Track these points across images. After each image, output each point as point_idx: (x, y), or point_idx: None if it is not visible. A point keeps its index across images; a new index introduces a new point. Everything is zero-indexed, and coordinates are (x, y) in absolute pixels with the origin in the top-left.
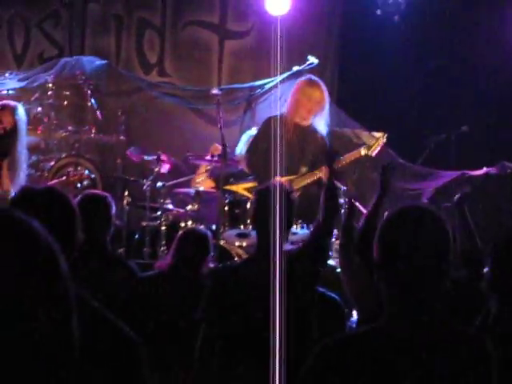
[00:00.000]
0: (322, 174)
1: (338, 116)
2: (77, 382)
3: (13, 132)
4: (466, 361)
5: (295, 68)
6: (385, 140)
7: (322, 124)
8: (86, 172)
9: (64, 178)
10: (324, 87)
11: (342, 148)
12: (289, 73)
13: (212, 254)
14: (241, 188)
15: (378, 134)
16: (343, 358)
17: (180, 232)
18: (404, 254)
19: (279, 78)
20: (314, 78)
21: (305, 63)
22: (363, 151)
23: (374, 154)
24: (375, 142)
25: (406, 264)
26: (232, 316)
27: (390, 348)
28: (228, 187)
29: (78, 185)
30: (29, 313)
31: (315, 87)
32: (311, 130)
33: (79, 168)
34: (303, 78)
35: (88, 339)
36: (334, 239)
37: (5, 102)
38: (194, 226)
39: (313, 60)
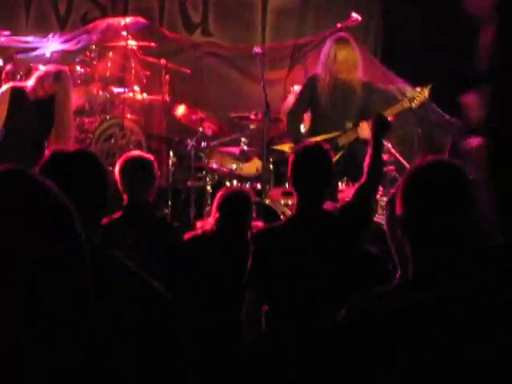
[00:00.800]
0: (363, 130)
1: (383, 73)
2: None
3: (57, 98)
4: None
5: (339, 25)
6: (428, 92)
7: (359, 73)
8: (133, 135)
9: (112, 141)
10: (355, 44)
11: (387, 104)
12: (333, 30)
13: (255, 214)
14: (287, 147)
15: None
16: (372, 314)
17: (220, 193)
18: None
19: (323, 35)
20: (345, 36)
21: (348, 19)
22: (406, 103)
23: (416, 106)
24: (418, 94)
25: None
26: (275, 281)
27: (417, 305)
28: (274, 147)
29: (125, 147)
30: (31, 272)
31: (347, 47)
32: (352, 83)
33: (125, 131)
34: (335, 39)
35: (117, 297)
36: (379, 196)
37: (48, 67)
38: (234, 186)
39: (356, 16)
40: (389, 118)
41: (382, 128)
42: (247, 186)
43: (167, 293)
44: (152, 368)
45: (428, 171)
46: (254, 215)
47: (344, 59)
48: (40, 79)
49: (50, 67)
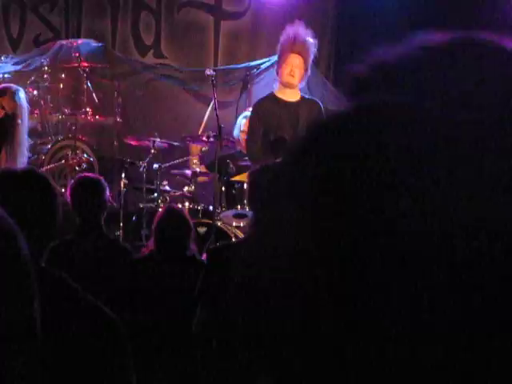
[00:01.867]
0: None
1: (335, 96)
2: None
3: (13, 116)
4: None
5: None
6: None
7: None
8: (85, 155)
9: (63, 161)
10: (308, 45)
11: None
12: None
13: (193, 230)
14: (243, 177)
15: None
16: None
17: (158, 213)
18: None
19: (275, 57)
20: (291, 38)
21: None
22: None
23: None
24: None
25: None
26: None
27: None
28: (233, 178)
29: (77, 168)
30: None
31: (293, 51)
32: (301, 103)
33: (77, 152)
34: (282, 42)
35: (62, 320)
36: None
37: (5, 85)
38: (169, 204)
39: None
40: None
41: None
42: (199, 208)
43: (115, 315)
44: None
45: None
46: (194, 234)
47: (294, 67)
48: None
49: (8, 85)
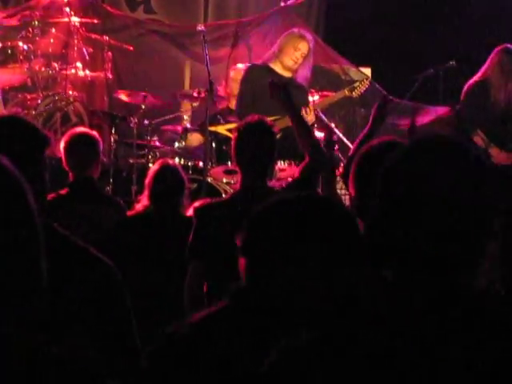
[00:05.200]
0: (306, 115)
1: (325, 52)
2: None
3: None
4: None
5: (282, 3)
6: (368, 83)
7: (302, 78)
8: (71, 99)
9: (54, 117)
10: (311, 42)
11: (330, 84)
12: (275, 8)
13: (188, 187)
14: (223, 129)
15: (364, 72)
16: None
17: (151, 168)
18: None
19: (266, 13)
20: (303, 31)
21: None
22: (347, 92)
23: (357, 96)
24: (359, 84)
25: None
26: (218, 254)
27: None
28: (212, 128)
29: (65, 110)
30: None
31: (304, 40)
32: (291, 82)
33: (67, 107)
34: (293, 30)
35: (65, 274)
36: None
37: None
38: (164, 159)
39: None
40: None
41: (279, 94)
42: (189, 164)
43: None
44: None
45: (382, 152)
46: (187, 190)
47: (302, 53)
48: None
49: None
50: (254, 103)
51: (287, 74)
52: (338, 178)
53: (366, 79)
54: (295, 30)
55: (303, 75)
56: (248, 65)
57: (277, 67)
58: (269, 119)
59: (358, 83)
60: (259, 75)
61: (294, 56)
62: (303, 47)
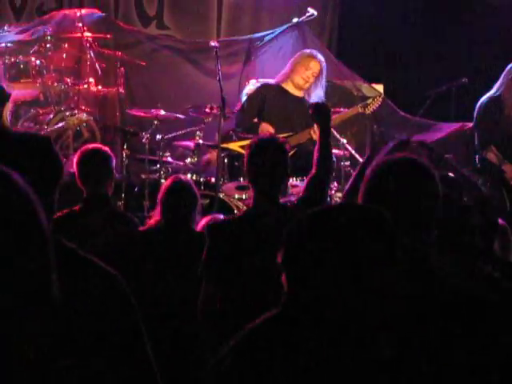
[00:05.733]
0: (313, 133)
1: (338, 68)
2: (60, 327)
3: None
4: None
5: (295, 20)
6: (381, 100)
7: (315, 98)
8: (84, 115)
9: (63, 123)
10: (324, 63)
11: (342, 100)
12: (288, 24)
13: (201, 202)
14: (236, 146)
15: (377, 88)
16: None
17: (163, 184)
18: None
19: (279, 29)
20: (315, 52)
21: (304, 15)
22: (360, 109)
23: (369, 112)
24: (372, 101)
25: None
26: (231, 274)
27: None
28: (224, 145)
29: (77, 128)
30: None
31: (315, 60)
32: (303, 101)
33: (79, 122)
34: (305, 50)
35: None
36: (334, 192)
37: None
38: (177, 175)
39: (312, 11)
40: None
41: (322, 116)
42: (201, 179)
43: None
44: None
45: (394, 168)
46: (199, 206)
47: (314, 72)
48: None
49: None
50: (263, 120)
51: (299, 94)
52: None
53: (380, 96)
54: (307, 50)
55: (316, 96)
56: (261, 82)
57: (289, 87)
58: (281, 136)
59: (370, 100)
60: (270, 94)
61: (304, 75)
62: (314, 67)
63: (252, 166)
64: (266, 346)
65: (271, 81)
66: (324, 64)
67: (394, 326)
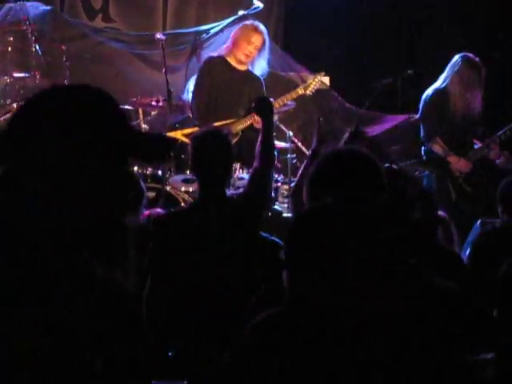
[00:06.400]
0: (253, 120)
1: (284, 60)
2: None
3: None
4: None
5: (241, 12)
6: (322, 78)
7: (258, 69)
8: None
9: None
10: (266, 35)
11: (288, 92)
12: (234, 17)
13: (146, 196)
14: (180, 134)
15: (323, 80)
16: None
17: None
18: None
19: (225, 22)
20: (256, 23)
21: (250, 7)
22: (300, 90)
23: (311, 93)
24: (312, 81)
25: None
26: (176, 266)
27: None
28: (168, 133)
29: None
30: None
31: (257, 33)
32: (247, 74)
33: None
34: (246, 22)
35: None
36: (280, 184)
37: None
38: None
39: (258, 4)
40: (280, 104)
41: (264, 111)
42: (148, 172)
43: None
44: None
45: (340, 160)
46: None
47: (256, 46)
48: None
49: None
50: (214, 99)
51: (242, 68)
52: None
53: (320, 75)
54: (248, 22)
55: (260, 67)
56: (206, 57)
57: (232, 61)
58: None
59: (310, 80)
60: (218, 69)
61: (247, 50)
62: (256, 40)
63: (196, 160)
64: (267, 343)
65: (214, 54)
66: (266, 36)
67: (374, 326)
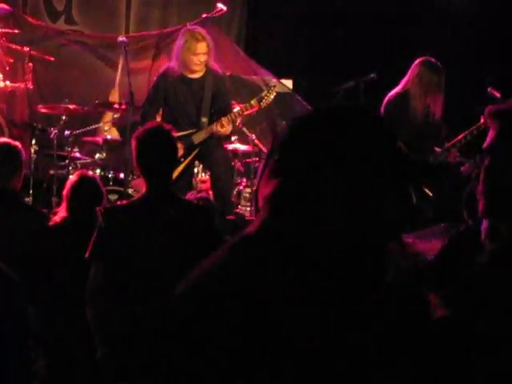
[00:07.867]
0: (220, 125)
1: (247, 63)
2: None
3: None
4: None
5: (204, 15)
6: (275, 92)
7: (215, 67)
8: None
9: None
10: (208, 37)
11: (251, 96)
12: (197, 20)
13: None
14: None
15: (286, 84)
16: None
17: (69, 180)
18: None
19: (188, 25)
20: (196, 31)
21: (213, 10)
22: (254, 104)
23: (264, 106)
24: (267, 93)
25: None
26: (121, 254)
27: None
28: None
29: None
30: None
31: (199, 41)
32: (205, 77)
33: None
34: (185, 34)
35: None
36: (242, 187)
37: None
38: (83, 171)
39: (221, 7)
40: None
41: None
42: (110, 175)
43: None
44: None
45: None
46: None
47: (202, 52)
48: None
49: None
50: (168, 112)
51: (198, 75)
52: None
53: (274, 87)
54: (187, 34)
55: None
56: (162, 71)
57: (186, 73)
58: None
59: (265, 92)
60: (171, 84)
61: (196, 60)
62: (202, 48)
63: (140, 157)
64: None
65: (171, 65)
66: (208, 38)
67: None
